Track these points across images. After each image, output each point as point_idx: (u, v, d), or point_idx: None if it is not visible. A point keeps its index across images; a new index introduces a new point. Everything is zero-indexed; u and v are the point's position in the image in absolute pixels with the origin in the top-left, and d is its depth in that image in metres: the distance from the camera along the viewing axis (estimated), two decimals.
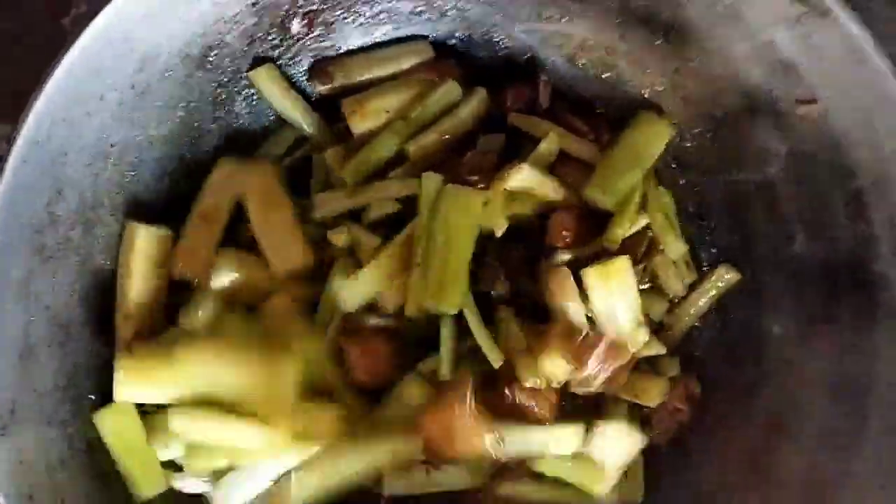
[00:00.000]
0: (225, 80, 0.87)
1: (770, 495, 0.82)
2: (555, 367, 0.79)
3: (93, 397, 0.80)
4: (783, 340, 0.87)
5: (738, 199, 0.90)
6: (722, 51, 0.81)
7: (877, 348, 0.78)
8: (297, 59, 0.91)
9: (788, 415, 0.84)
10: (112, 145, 0.78)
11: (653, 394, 0.87)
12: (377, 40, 0.92)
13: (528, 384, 0.79)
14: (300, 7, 0.85)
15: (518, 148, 0.89)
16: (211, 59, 0.83)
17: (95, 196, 0.79)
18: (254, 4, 0.81)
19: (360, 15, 0.89)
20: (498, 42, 0.94)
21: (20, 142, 0.69)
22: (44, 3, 1.04)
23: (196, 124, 0.87)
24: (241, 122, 0.92)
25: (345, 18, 0.90)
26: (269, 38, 0.87)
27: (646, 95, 0.91)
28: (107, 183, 0.79)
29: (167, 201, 0.87)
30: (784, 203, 0.85)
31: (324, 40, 0.91)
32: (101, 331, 0.82)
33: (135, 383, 0.76)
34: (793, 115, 0.79)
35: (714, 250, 0.95)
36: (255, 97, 0.91)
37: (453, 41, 0.94)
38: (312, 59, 0.92)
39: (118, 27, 0.71)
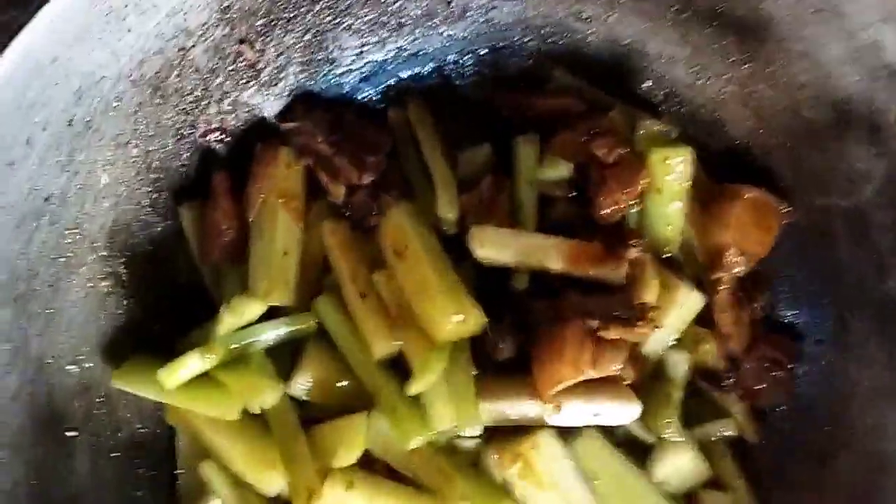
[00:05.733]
0: (190, 107, 0.76)
1: None
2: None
3: None
4: (871, 394, 0.80)
5: (820, 228, 0.83)
6: (810, 53, 0.75)
7: None
8: (280, 76, 0.79)
9: (875, 480, 0.77)
10: (47, 199, 0.67)
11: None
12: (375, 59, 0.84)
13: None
14: (281, 12, 0.75)
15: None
16: (171, 81, 0.73)
17: (29, 264, 0.68)
18: (225, 10, 0.71)
19: (356, 18, 0.79)
20: (522, 51, 0.86)
21: None
22: None
23: (155, 165, 0.76)
24: (214, 158, 0.81)
25: (336, 25, 0.79)
26: (244, 53, 0.76)
27: (705, 105, 0.85)
28: (42, 247, 0.68)
29: (125, 264, 0.77)
30: (877, 232, 0.78)
31: (315, 51, 0.80)
32: (45, 440, 0.71)
33: None
34: (894, 129, 0.73)
35: (791, 288, 0.88)
36: (231, 122, 0.80)
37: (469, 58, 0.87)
38: (296, 82, 0.81)
39: (46, 49, 0.60)
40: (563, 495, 0.73)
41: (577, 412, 0.73)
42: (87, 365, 0.73)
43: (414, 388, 0.69)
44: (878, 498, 0.76)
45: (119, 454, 0.76)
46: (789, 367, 0.85)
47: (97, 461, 0.74)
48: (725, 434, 0.85)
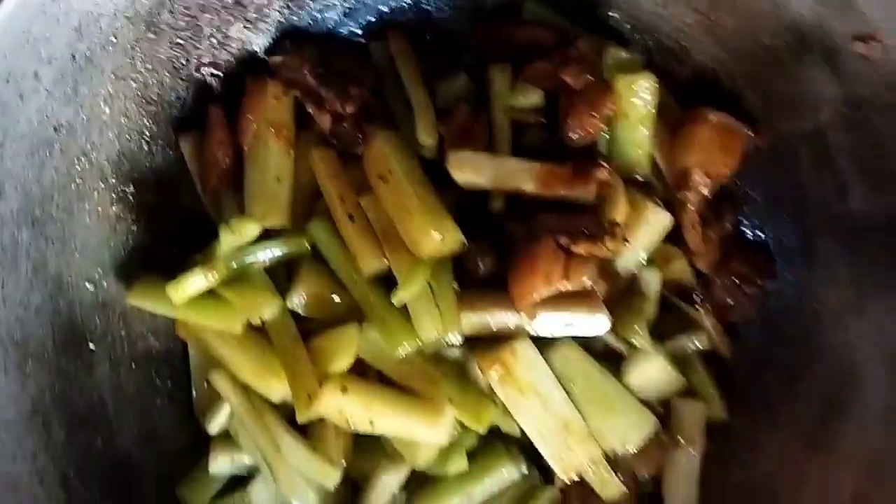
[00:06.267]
0: (183, 42, 0.77)
1: (830, 473, 0.77)
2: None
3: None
4: (838, 310, 0.81)
5: (783, 152, 0.83)
6: None
7: None
8: (265, 11, 0.81)
9: (845, 392, 0.79)
10: (56, 129, 0.70)
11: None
12: None
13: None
14: None
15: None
16: (163, 17, 0.74)
17: (43, 190, 0.71)
18: None
19: None
20: None
21: None
22: None
23: (154, 98, 0.78)
24: (209, 91, 0.83)
25: None
26: None
27: (671, 34, 0.84)
28: (54, 173, 0.71)
29: (132, 191, 0.80)
30: (837, 153, 0.78)
31: None
32: (68, 351, 0.75)
33: None
34: (849, 53, 0.72)
35: (758, 209, 0.89)
36: (223, 57, 0.81)
37: None
38: (282, 17, 0.82)
39: None
40: (542, 399, 0.76)
41: (551, 322, 0.76)
42: (103, 283, 0.77)
43: (398, 298, 0.73)
44: (850, 406, 0.77)
45: (137, 366, 0.81)
46: (759, 283, 0.87)
47: (117, 372, 0.79)
48: (698, 346, 0.86)
